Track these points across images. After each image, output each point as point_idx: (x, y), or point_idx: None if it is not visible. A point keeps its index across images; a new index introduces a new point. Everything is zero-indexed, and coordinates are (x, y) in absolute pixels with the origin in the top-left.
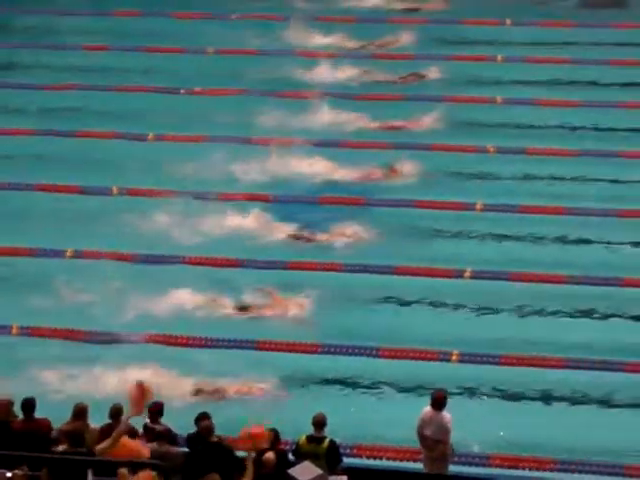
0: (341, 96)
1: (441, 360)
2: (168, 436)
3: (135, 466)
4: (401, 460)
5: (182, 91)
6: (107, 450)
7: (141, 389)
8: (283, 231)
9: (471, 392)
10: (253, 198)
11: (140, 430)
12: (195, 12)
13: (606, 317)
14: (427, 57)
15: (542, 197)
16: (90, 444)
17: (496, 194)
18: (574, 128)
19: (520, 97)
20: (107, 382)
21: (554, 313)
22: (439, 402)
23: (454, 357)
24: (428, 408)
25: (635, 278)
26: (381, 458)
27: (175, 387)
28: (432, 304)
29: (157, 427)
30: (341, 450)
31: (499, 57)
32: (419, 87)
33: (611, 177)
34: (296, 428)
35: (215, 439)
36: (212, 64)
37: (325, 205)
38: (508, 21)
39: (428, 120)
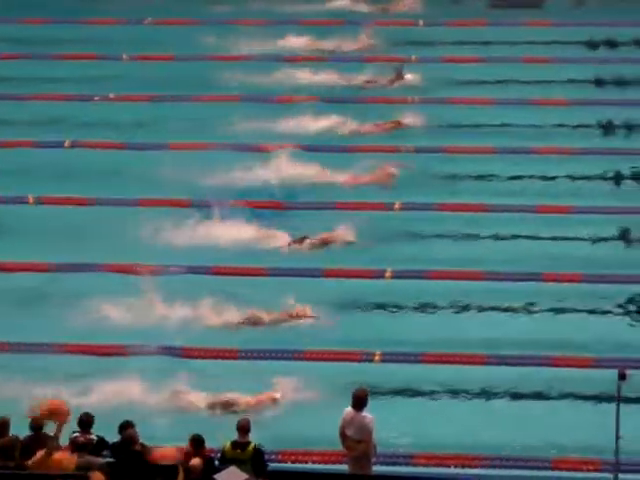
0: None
1: (364, 361)
2: (91, 447)
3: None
4: (326, 463)
5: (96, 98)
6: (40, 463)
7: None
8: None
9: (395, 392)
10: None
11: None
12: (108, 18)
13: (533, 312)
14: None
15: (458, 194)
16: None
17: (415, 194)
18: (487, 126)
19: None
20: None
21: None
22: (360, 402)
23: (377, 357)
24: (349, 409)
25: (555, 273)
26: (306, 462)
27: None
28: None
29: (80, 438)
30: (266, 456)
31: (413, 57)
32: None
33: (523, 173)
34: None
35: (139, 448)
36: (127, 70)
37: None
38: (421, 22)
39: None
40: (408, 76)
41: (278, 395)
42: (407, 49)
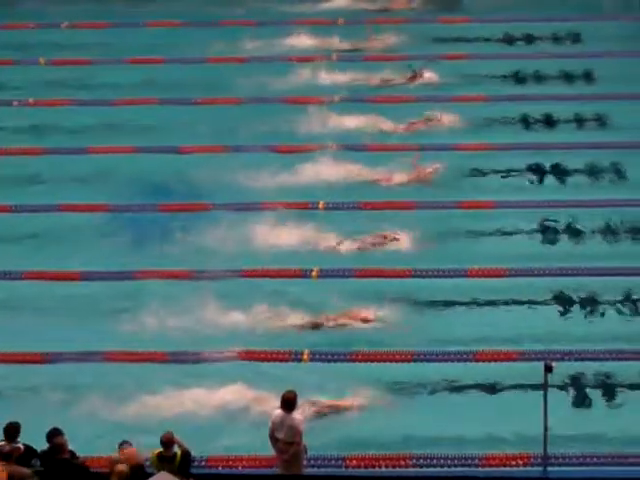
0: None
1: (293, 361)
2: (17, 456)
3: None
4: (257, 467)
5: (15, 103)
6: None
7: None
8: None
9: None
10: None
11: None
12: (24, 22)
13: (456, 306)
14: None
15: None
16: None
17: (335, 194)
18: None
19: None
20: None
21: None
22: (289, 404)
23: (305, 357)
24: (279, 411)
25: (479, 268)
26: (237, 467)
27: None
28: None
29: (6, 448)
30: (195, 463)
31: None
32: None
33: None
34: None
35: (67, 456)
36: (45, 75)
37: None
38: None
39: None
40: (427, 74)
41: (359, 400)
42: (421, 47)
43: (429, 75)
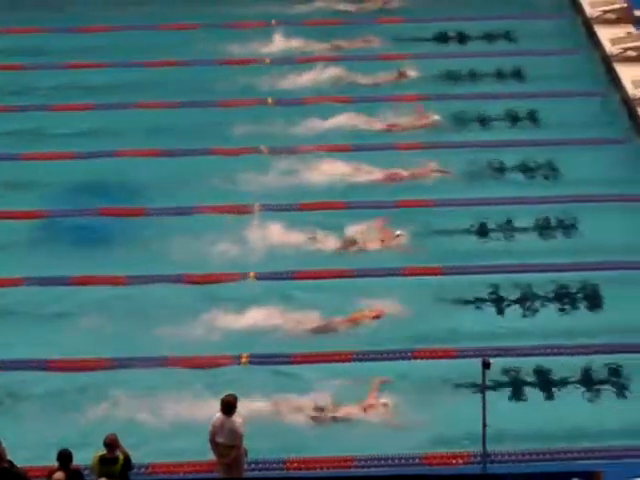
0: None
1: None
2: None
3: None
4: (198, 473)
5: None
6: None
7: None
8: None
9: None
10: None
11: None
12: None
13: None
14: None
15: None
16: None
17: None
18: None
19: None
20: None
21: None
22: (229, 407)
23: (243, 359)
24: (219, 414)
25: (413, 266)
26: (178, 474)
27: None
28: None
29: None
30: (135, 470)
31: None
32: None
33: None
34: None
35: (6, 465)
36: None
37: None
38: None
39: None
40: (411, 73)
41: (387, 400)
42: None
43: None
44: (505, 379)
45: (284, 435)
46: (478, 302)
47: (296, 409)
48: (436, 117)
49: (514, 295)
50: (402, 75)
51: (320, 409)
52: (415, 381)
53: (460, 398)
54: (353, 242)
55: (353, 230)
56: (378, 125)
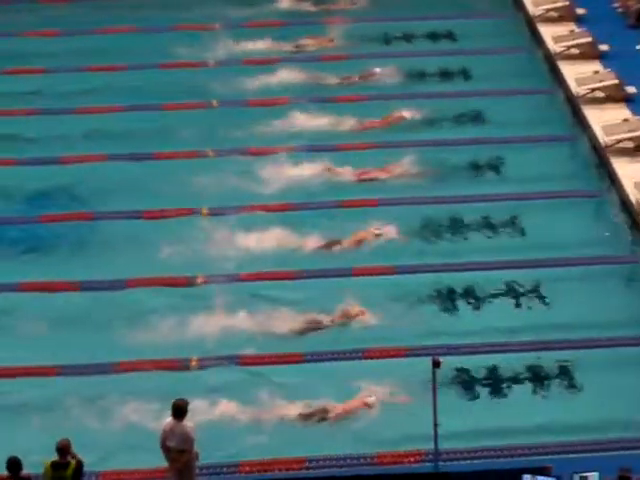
0: None
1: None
2: None
3: None
4: (150, 479)
5: None
6: None
7: None
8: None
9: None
10: None
11: None
12: None
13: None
14: None
15: None
16: None
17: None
18: None
19: None
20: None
21: None
22: (180, 411)
23: (194, 363)
24: (169, 419)
25: (365, 266)
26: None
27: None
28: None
29: None
30: (86, 477)
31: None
32: None
33: None
34: None
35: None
36: None
37: None
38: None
39: None
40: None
41: (372, 399)
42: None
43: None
44: (456, 377)
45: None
46: (429, 301)
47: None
48: (405, 115)
49: (461, 293)
50: (366, 75)
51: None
52: (367, 379)
53: (412, 397)
54: (335, 242)
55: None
56: (343, 125)
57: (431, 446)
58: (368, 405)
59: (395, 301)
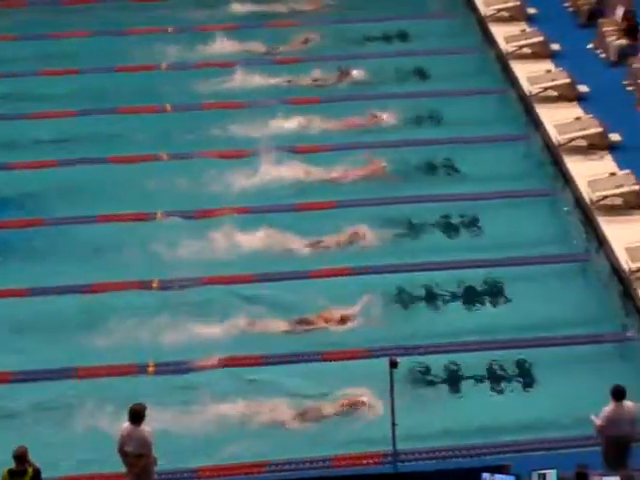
0: None
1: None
2: None
3: None
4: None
5: None
6: None
7: None
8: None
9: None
10: None
11: None
12: None
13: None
14: None
15: None
16: None
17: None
18: None
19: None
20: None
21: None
22: (137, 416)
23: (150, 369)
24: (127, 424)
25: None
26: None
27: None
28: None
29: None
30: None
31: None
32: None
33: None
34: None
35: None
36: None
37: None
38: None
39: None
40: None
41: (365, 398)
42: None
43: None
44: (414, 377)
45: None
46: (389, 301)
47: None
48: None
49: (420, 293)
50: (343, 75)
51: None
52: (326, 381)
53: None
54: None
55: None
56: (302, 127)
57: (390, 447)
58: (361, 404)
59: (353, 302)
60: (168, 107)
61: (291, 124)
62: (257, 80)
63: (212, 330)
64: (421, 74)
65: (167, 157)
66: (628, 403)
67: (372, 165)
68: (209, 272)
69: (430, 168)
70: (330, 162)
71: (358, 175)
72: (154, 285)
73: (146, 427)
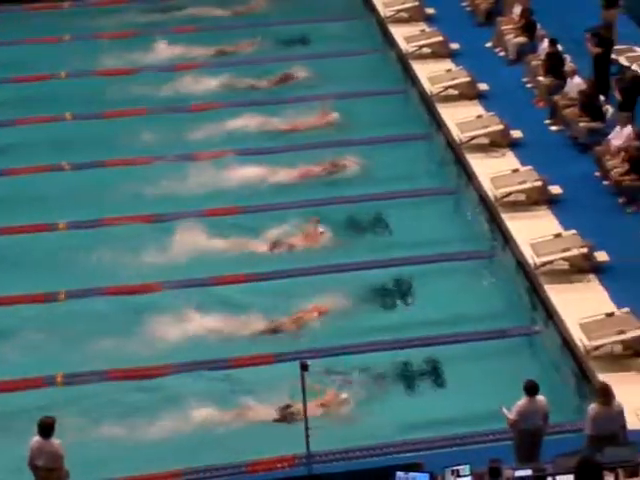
0: None
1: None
2: None
3: None
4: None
5: None
6: None
7: None
8: None
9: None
10: None
11: None
12: None
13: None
14: None
15: None
16: None
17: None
18: None
19: None
20: None
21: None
22: (47, 429)
23: (59, 379)
24: (37, 437)
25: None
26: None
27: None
28: None
29: None
30: None
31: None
32: None
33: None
34: None
35: None
36: None
37: None
38: None
39: None
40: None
41: (345, 395)
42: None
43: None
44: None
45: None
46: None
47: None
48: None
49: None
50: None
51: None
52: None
53: (276, 401)
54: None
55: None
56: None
57: (304, 450)
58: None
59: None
60: (68, 116)
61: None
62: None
63: (107, 342)
64: (323, 77)
65: (69, 167)
66: (540, 398)
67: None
68: (112, 282)
69: (337, 170)
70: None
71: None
72: (60, 297)
73: (56, 440)
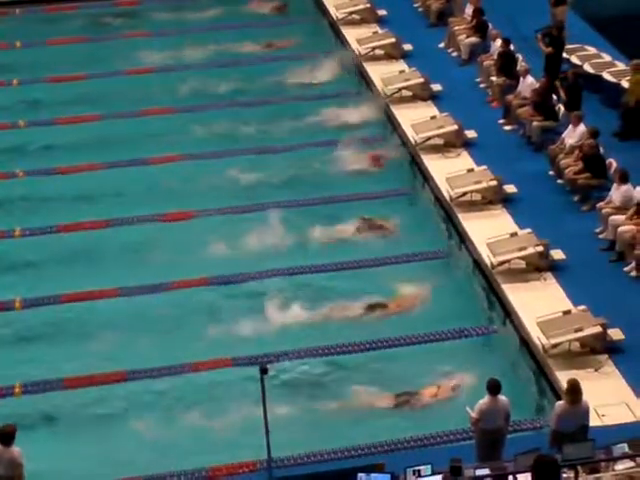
0: None
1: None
2: None
3: None
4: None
5: None
6: None
7: None
8: None
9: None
10: None
11: None
12: None
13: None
14: None
15: None
16: None
17: None
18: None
19: None
20: None
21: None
22: (7, 437)
23: (17, 389)
24: None
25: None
26: None
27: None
28: None
29: None
30: None
31: None
32: None
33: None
34: None
35: None
36: None
37: None
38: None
39: None
40: None
41: (454, 382)
42: None
43: None
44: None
45: None
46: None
47: None
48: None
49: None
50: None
51: None
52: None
53: (239, 406)
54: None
55: None
56: None
57: (264, 455)
58: None
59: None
60: (21, 123)
61: None
62: None
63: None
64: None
65: (23, 174)
66: (502, 397)
67: None
68: (72, 289)
69: (296, 178)
70: None
71: None
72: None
73: (16, 448)
